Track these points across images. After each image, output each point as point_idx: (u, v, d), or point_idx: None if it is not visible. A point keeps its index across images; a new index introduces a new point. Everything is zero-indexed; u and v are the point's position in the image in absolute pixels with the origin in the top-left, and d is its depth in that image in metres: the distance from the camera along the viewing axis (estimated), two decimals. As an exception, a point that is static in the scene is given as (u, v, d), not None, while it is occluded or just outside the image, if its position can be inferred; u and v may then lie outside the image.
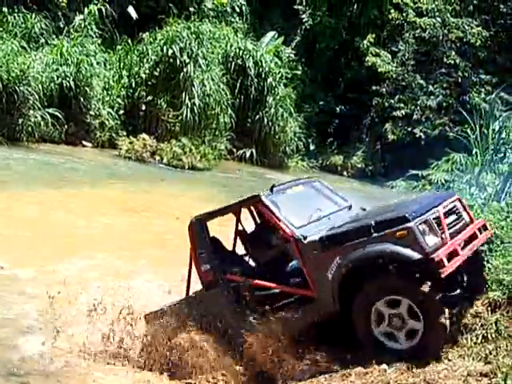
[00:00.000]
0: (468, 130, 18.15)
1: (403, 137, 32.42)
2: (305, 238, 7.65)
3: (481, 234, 8.12)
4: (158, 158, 26.75)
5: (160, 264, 11.35)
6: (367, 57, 33.79)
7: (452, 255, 7.24)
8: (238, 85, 31.40)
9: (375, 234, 7.16)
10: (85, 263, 11.95)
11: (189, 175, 25.64)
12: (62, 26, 29.35)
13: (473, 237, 7.96)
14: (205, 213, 8.58)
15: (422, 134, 31.85)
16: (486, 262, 8.23)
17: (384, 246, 7.08)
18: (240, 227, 9.22)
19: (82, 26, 29.30)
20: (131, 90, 29.30)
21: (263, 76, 31.80)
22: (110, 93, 28.58)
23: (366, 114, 34.90)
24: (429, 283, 7.11)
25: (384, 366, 7.24)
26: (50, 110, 25.76)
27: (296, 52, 35.76)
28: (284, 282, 8.08)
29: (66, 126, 26.52)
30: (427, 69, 33.42)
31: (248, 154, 30.87)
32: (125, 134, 27.77)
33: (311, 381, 7.72)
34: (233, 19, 34.20)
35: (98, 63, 28.37)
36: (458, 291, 7.79)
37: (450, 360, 6.86)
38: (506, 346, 7.05)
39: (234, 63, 31.59)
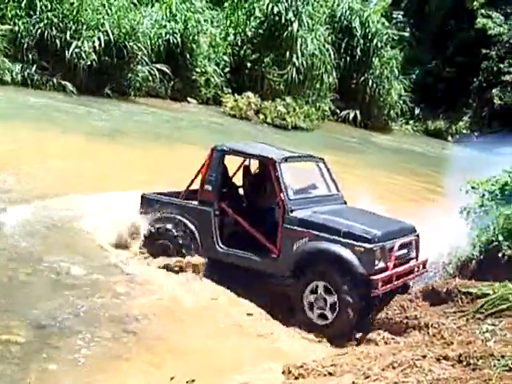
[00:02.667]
0: None
1: (512, 102, 31.52)
2: (291, 211, 8.91)
3: (418, 270, 9.39)
4: (261, 116, 26.86)
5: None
6: (478, 18, 32.83)
7: (387, 282, 8.61)
8: (344, 45, 31.16)
9: (341, 239, 8.55)
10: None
11: (291, 134, 25.66)
12: (171, -18, 29.63)
13: (411, 271, 9.27)
14: (229, 147, 9.56)
15: (532, 100, 30.89)
16: None
17: (343, 251, 8.51)
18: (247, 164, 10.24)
19: (191, -18, 29.52)
20: (237, 48, 29.49)
21: (369, 37, 31.41)
22: (216, 50, 28.83)
23: (474, 79, 34.00)
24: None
25: (487, 335, 7.17)
26: (158, 66, 26.17)
27: (404, 13, 35.09)
28: (260, 229, 9.15)
29: (172, 82, 26.94)
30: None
31: (352, 116, 30.67)
32: (230, 91, 28.02)
33: (411, 346, 7.72)
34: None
35: (205, 20, 28.63)
36: None
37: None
38: None
39: (340, 23, 31.31)
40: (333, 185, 10.05)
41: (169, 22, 27.30)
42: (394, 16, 34.46)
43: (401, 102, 32.26)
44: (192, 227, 9.43)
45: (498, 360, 6.02)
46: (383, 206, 11.04)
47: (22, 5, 23.44)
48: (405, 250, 9.13)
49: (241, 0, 30.55)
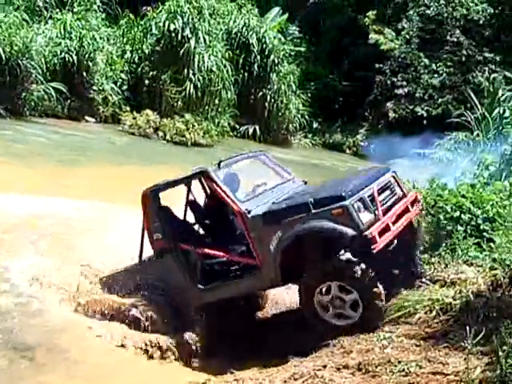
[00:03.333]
0: (470, 109, 18.15)
1: (406, 115, 32.41)
2: (249, 212, 8.06)
3: (413, 207, 8.56)
4: (161, 133, 26.71)
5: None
6: (370, 34, 33.68)
7: (384, 231, 7.72)
8: (241, 61, 31.33)
9: (313, 211, 7.58)
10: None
11: (191, 150, 25.59)
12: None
13: (406, 210, 8.41)
14: (157, 184, 8.82)
15: (424, 112, 31.83)
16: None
17: (321, 223, 7.53)
18: (191, 198, 9.54)
19: (86, 0, 29.17)
20: (134, 66, 29.27)
21: (267, 53, 31.71)
22: (113, 68, 28.52)
23: (370, 92, 34.81)
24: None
25: (384, 342, 7.30)
26: (53, 84, 25.68)
27: (300, 29, 35.63)
28: (232, 250, 8.53)
29: (69, 101, 26.49)
30: (431, 47, 33.31)
31: (251, 131, 30.85)
32: (128, 109, 27.74)
33: (313, 356, 7.78)
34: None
35: (101, 38, 28.25)
36: (396, 271, 8.42)
37: (451, 338, 6.91)
38: (507, 325, 7.12)
39: (237, 39, 31.50)
40: (283, 171, 9.53)
41: (63, 39, 26.83)
42: (290, 32, 34.89)
43: (299, 116, 32.64)
44: (161, 285, 8.64)
45: (395, 366, 6.14)
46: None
47: None
48: (388, 192, 8.44)
49: (137, 17, 30.40)
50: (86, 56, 27.02)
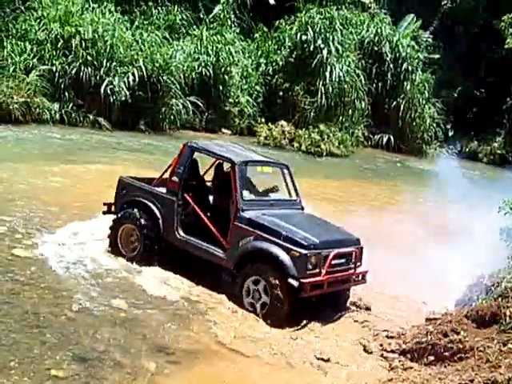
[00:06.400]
0: None
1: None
2: (243, 210, 9.52)
3: (356, 280, 9.89)
4: (296, 144, 27.01)
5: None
6: (507, 38, 32.77)
7: (317, 286, 9.14)
8: (374, 70, 31.26)
9: (281, 242, 9.09)
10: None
11: (326, 161, 25.73)
12: (201, 16, 30.07)
13: (348, 280, 9.77)
14: (199, 145, 10.35)
15: None
16: None
17: (280, 252, 9.04)
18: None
19: (221, 15, 29.94)
20: (269, 78, 29.75)
21: (400, 61, 31.51)
22: (248, 80, 29.15)
23: (507, 98, 33.85)
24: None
25: None
26: (191, 98, 26.49)
27: (434, 36, 35.12)
28: (218, 225, 9.74)
29: (206, 114, 27.23)
30: None
31: (385, 140, 30.68)
32: (263, 120, 28.21)
33: (457, 368, 7.69)
34: (370, 4, 33.79)
35: (236, 51, 28.97)
36: None
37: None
38: None
39: (370, 48, 31.47)
40: (293, 191, 10.62)
41: (201, 54, 27.65)
42: (424, 39, 34.45)
43: (434, 125, 32.19)
44: (157, 212, 10.10)
45: (548, 381, 6.01)
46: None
47: (59, 45, 23.93)
48: (342, 260, 9.57)
49: (270, 30, 30.89)
50: (222, 70, 27.75)
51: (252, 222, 9.43)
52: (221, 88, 27.73)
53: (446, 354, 8.15)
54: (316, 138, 27.04)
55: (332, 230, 10.04)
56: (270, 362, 8.08)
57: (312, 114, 28.58)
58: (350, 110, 29.47)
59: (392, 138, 30.69)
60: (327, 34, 29.29)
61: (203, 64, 27.38)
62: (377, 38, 31.57)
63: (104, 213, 10.83)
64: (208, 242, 9.73)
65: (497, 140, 33.62)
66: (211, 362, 7.87)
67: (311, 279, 9.05)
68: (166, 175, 10.34)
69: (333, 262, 9.30)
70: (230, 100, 27.98)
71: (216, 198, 10.64)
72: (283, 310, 9.05)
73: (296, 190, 10.61)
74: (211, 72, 27.38)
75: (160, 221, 10.08)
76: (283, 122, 27.64)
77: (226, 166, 10.38)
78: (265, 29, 31.09)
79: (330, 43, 29.29)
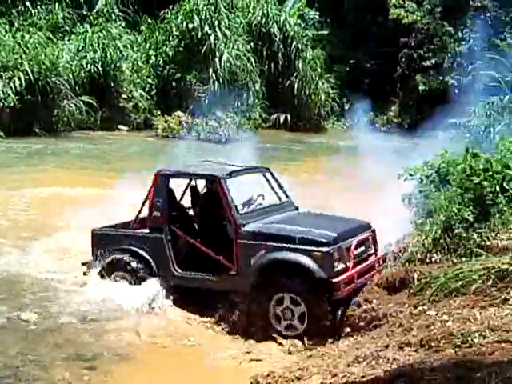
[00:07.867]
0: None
1: (437, 87, 32.04)
2: (243, 225, 8.77)
3: (379, 266, 9.17)
4: (194, 133, 26.82)
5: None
6: (390, 9, 33.37)
7: (349, 282, 8.51)
8: (265, 52, 31.33)
9: (298, 246, 8.43)
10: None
11: (227, 147, 25.58)
12: (85, 12, 29.44)
13: (372, 267, 9.13)
14: (173, 170, 9.52)
15: (454, 81, 31.41)
16: None
17: (301, 258, 8.38)
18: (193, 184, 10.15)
19: (105, 10, 29.42)
20: (160, 69, 29.44)
21: (289, 40, 31.67)
22: (139, 74, 28.76)
23: (397, 68, 34.50)
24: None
25: (444, 316, 7.25)
26: (83, 98, 25.95)
27: (321, 13, 35.44)
28: (216, 249, 8.96)
29: (100, 112, 26.73)
30: (455, 15, 32.84)
31: (282, 120, 30.81)
32: (159, 113, 27.91)
33: (372, 336, 7.77)
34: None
35: (124, 46, 28.53)
36: None
37: None
38: None
39: (258, 30, 31.50)
40: (281, 193, 10.01)
41: (87, 52, 27.12)
42: (311, 17, 34.72)
43: (329, 100, 32.55)
44: (146, 256, 9.22)
45: (458, 338, 6.08)
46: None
47: None
48: (362, 248, 9.11)
49: (157, 21, 30.54)
50: (112, 65, 27.26)
51: (257, 235, 8.72)
52: (112, 84, 27.31)
53: (362, 323, 8.22)
54: (214, 124, 26.91)
55: (341, 221, 9.53)
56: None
57: (207, 101, 28.41)
58: (245, 94, 29.45)
59: (289, 116, 30.84)
60: (213, 20, 29.15)
61: (91, 61, 26.85)
62: (264, 20, 31.62)
63: (85, 274, 9.67)
64: (211, 271, 8.95)
65: (392, 109, 34.23)
66: (128, 364, 7.71)
67: (341, 277, 8.46)
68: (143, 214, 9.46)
69: (355, 252, 8.81)
70: (124, 96, 27.58)
71: (203, 222, 9.84)
72: (325, 320, 8.35)
73: (284, 192, 10.05)
74: (100, 69, 26.87)
75: (153, 264, 9.18)
76: (179, 113, 27.41)
77: (201, 187, 9.87)
78: (150, 20, 30.69)
79: (217, 29, 29.17)
